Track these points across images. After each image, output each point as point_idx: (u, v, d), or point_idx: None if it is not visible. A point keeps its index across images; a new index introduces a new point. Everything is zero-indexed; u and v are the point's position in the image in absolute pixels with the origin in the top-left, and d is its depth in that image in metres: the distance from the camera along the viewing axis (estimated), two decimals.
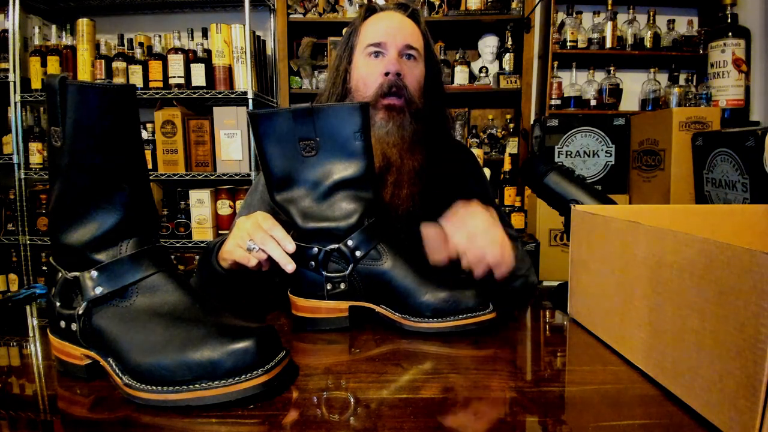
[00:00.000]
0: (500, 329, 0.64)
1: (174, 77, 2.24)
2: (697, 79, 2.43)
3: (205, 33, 2.32)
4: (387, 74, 0.87)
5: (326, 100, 0.94)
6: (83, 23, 2.25)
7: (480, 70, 2.45)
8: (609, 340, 0.57)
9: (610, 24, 2.34)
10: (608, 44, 2.36)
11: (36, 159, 2.30)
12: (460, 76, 2.42)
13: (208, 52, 2.27)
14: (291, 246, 0.65)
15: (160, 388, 0.44)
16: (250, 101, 2.24)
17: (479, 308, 0.62)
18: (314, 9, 2.41)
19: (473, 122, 2.62)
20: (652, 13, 2.38)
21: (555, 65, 2.36)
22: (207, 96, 2.24)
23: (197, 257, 2.26)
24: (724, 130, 1.76)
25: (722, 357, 0.38)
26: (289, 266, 0.64)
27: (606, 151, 2.16)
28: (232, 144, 2.27)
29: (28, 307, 0.75)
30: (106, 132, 0.47)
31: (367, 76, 0.89)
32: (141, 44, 2.30)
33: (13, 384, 0.50)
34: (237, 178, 2.28)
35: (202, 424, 0.42)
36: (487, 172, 2.37)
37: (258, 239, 0.66)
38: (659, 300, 0.46)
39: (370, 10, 0.95)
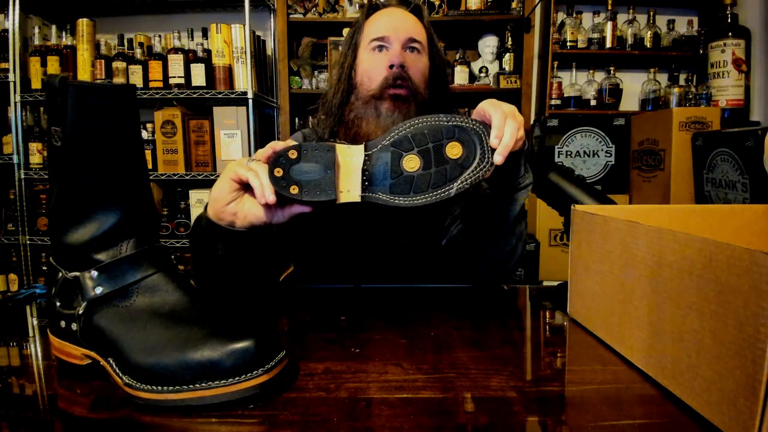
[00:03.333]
0: (500, 329, 0.64)
1: (174, 77, 2.24)
2: (697, 79, 2.43)
3: (205, 33, 2.32)
4: (391, 67, 0.87)
5: (332, 97, 0.95)
6: (83, 23, 2.25)
7: (480, 70, 2.45)
8: (609, 340, 0.57)
9: (610, 24, 2.34)
10: (608, 44, 2.36)
11: (36, 159, 2.30)
12: (460, 76, 2.42)
13: (208, 52, 2.27)
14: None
15: (160, 388, 0.44)
16: (250, 101, 2.24)
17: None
18: (314, 9, 2.41)
19: None
20: (652, 13, 2.38)
21: (555, 65, 2.36)
22: (207, 96, 2.24)
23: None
24: (724, 130, 1.76)
25: (722, 357, 0.38)
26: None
27: (606, 151, 2.16)
28: (232, 144, 2.27)
29: (28, 307, 0.75)
30: (106, 132, 0.47)
31: (372, 69, 0.90)
32: (141, 44, 2.30)
33: (13, 384, 0.50)
34: None
35: (202, 424, 0.42)
36: None
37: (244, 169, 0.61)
38: (659, 300, 0.46)
39: (372, 7, 0.96)
